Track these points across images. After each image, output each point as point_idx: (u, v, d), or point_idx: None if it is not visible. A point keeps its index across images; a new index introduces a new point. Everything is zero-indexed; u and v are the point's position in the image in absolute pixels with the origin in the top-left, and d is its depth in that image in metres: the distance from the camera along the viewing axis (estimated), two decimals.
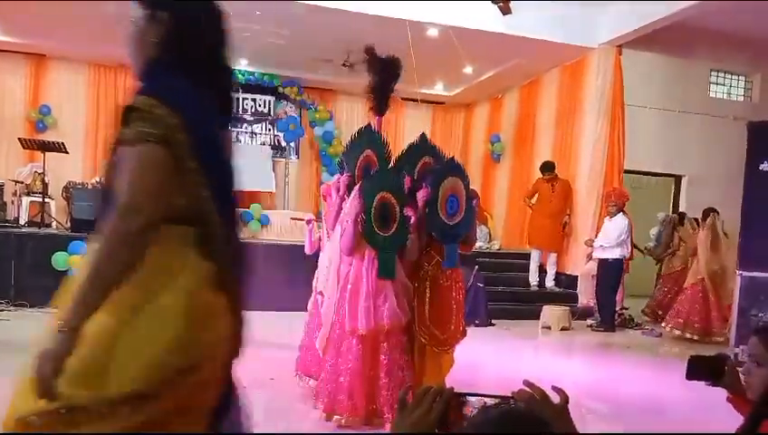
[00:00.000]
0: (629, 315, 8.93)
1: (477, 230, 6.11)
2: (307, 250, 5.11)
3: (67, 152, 9.22)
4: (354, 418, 3.90)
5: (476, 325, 7.83)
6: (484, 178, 12.20)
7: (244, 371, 5.91)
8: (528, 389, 1.16)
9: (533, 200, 9.56)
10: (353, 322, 3.93)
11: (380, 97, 4.65)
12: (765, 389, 0.93)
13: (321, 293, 4.50)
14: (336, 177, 4.67)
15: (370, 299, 3.92)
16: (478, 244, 8.94)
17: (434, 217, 4.14)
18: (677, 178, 10.06)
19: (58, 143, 9.11)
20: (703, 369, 1.95)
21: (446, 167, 4.30)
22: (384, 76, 4.61)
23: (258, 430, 4.06)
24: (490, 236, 11.01)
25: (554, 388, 1.26)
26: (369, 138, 4.38)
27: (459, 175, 4.27)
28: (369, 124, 4.58)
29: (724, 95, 10.26)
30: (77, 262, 7.48)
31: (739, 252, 6.74)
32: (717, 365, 1.93)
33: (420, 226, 4.17)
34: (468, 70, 10.39)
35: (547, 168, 9.40)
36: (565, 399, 1.21)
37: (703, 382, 1.95)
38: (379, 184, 4.02)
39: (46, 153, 9.02)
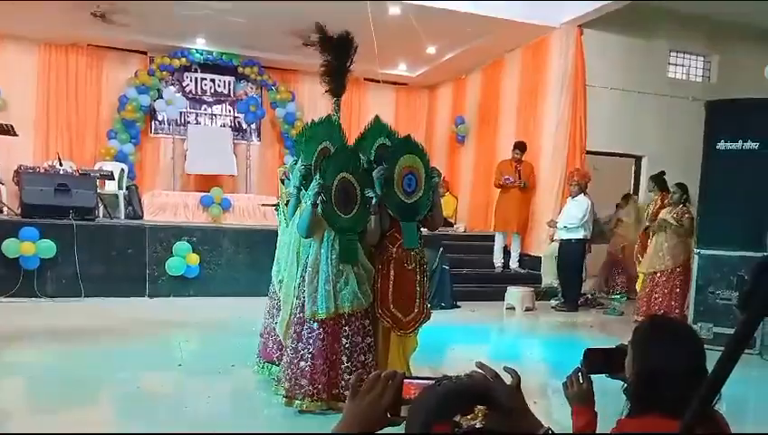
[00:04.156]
0: (592, 295, 9.04)
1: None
2: None
3: (17, 135, 8.88)
4: (316, 403, 3.84)
5: (442, 308, 7.84)
6: (448, 161, 12.18)
7: (207, 357, 5.83)
8: (480, 370, 1.15)
9: (503, 180, 9.46)
10: (313, 306, 3.85)
11: (336, 78, 4.54)
12: (710, 381, 0.88)
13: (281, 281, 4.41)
14: (291, 160, 4.58)
15: (330, 283, 3.85)
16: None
17: (391, 194, 4.09)
18: (638, 159, 10.17)
19: (7, 125, 8.77)
20: (600, 361, 1.86)
21: (402, 145, 4.23)
22: (337, 55, 4.49)
23: (219, 417, 4.00)
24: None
25: (506, 368, 1.28)
26: (326, 130, 4.26)
27: (417, 153, 4.20)
28: (328, 115, 4.50)
29: (683, 76, 10.37)
30: (28, 249, 7.23)
31: (697, 230, 6.83)
32: (616, 357, 1.83)
33: (382, 207, 4.10)
34: (431, 50, 10.31)
35: (519, 147, 9.38)
36: (517, 379, 1.23)
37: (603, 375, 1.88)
38: (338, 164, 3.93)
39: None
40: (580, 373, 1.93)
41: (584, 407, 1.91)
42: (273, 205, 5.53)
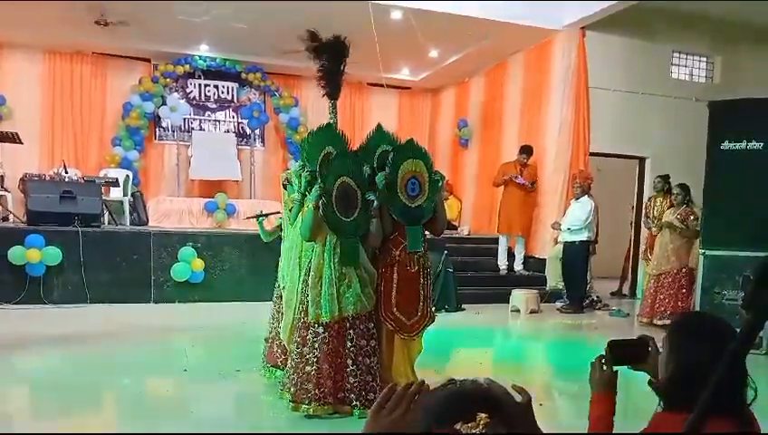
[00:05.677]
0: (597, 296, 9.02)
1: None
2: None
3: (22, 143, 8.91)
4: (322, 407, 3.84)
5: (446, 310, 7.85)
6: (452, 164, 12.19)
7: (212, 362, 5.84)
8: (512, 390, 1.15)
9: (508, 176, 9.46)
10: (317, 309, 3.86)
11: (331, 81, 4.56)
12: (715, 381, 0.88)
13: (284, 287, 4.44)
14: (297, 164, 4.60)
15: (334, 286, 3.86)
16: None
17: (394, 198, 4.10)
18: (641, 160, 10.14)
19: (12, 133, 8.79)
20: (624, 353, 1.87)
21: (405, 149, 4.24)
22: (331, 59, 4.51)
23: (226, 423, 4.00)
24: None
25: (515, 387, 1.26)
26: (329, 136, 4.28)
27: (420, 157, 4.21)
28: (330, 123, 4.52)
29: (686, 76, 10.36)
30: (34, 256, 7.26)
31: (702, 230, 6.82)
32: (639, 348, 1.85)
33: (384, 211, 4.11)
34: (434, 54, 10.34)
35: (526, 151, 9.39)
36: (527, 398, 1.22)
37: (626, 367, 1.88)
38: (338, 169, 3.95)
39: (1, 144, 8.72)
40: (603, 359, 1.88)
41: (605, 393, 1.85)
42: (255, 216, 5.68)
